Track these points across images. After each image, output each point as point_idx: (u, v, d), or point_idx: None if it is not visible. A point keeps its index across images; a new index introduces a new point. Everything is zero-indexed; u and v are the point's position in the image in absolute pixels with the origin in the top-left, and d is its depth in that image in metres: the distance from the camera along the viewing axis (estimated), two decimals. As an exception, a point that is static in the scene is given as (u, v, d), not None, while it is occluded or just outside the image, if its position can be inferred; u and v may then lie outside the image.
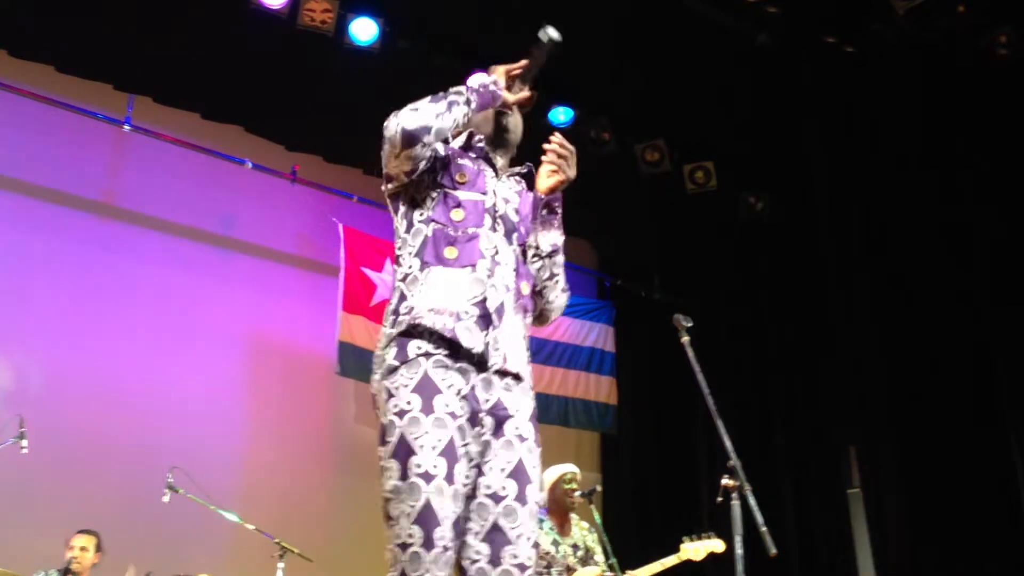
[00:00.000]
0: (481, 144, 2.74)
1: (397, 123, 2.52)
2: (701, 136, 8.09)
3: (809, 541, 7.67)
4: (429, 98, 2.57)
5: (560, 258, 2.75)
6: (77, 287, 6.61)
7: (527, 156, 2.84)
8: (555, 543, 5.37)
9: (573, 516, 5.58)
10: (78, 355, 6.46)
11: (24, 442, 5.08)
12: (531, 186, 2.79)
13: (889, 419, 6.98)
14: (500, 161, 2.76)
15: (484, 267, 2.53)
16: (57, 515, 5.83)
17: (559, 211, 2.74)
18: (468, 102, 2.60)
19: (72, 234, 6.73)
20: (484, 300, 2.49)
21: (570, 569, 5.38)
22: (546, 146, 2.72)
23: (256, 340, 7.29)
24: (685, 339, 3.32)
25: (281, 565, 5.35)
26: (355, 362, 6.80)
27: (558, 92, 7.45)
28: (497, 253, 2.58)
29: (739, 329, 8.39)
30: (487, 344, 2.46)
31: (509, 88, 2.71)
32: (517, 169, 2.80)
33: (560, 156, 2.71)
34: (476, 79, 2.66)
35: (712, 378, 3.26)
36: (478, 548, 2.39)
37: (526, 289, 2.64)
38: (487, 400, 2.45)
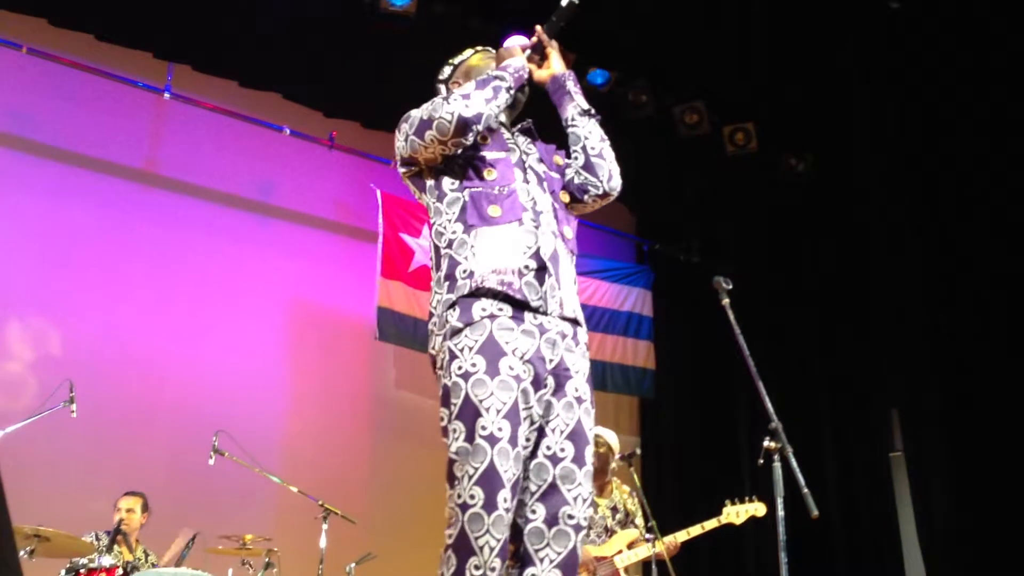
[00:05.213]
0: None
1: (451, 111, 2.54)
2: (741, 97, 7.97)
3: (851, 504, 7.64)
4: (475, 84, 2.63)
5: (593, 121, 2.81)
6: (120, 254, 6.69)
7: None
8: (593, 504, 5.42)
9: (614, 479, 5.61)
10: (123, 321, 6.56)
11: (74, 406, 5.17)
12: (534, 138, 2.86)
13: (933, 382, 6.90)
14: (505, 119, 2.82)
15: (529, 218, 2.57)
16: (107, 478, 5.96)
17: (576, 85, 2.83)
18: (509, 88, 2.66)
19: (114, 202, 6.80)
20: (538, 250, 2.52)
21: (609, 531, 5.43)
22: (540, 33, 2.80)
23: (296, 306, 7.36)
24: (725, 301, 3.29)
25: (325, 527, 5.44)
26: (394, 327, 6.84)
27: (596, 54, 7.37)
28: (536, 203, 2.62)
29: (779, 292, 8.31)
30: (545, 293, 2.49)
31: (530, 60, 2.80)
32: (521, 125, 2.87)
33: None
34: (513, 63, 2.72)
35: (752, 341, 3.23)
36: (534, 507, 2.41)
37: (569, 233, 2.69)
38: (551, 360, 2.47)
